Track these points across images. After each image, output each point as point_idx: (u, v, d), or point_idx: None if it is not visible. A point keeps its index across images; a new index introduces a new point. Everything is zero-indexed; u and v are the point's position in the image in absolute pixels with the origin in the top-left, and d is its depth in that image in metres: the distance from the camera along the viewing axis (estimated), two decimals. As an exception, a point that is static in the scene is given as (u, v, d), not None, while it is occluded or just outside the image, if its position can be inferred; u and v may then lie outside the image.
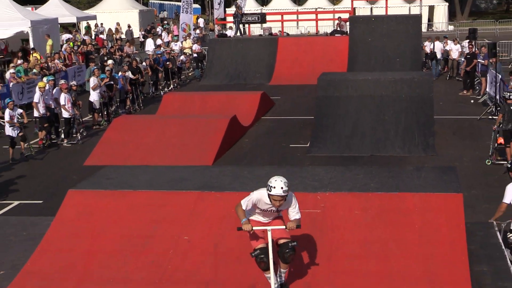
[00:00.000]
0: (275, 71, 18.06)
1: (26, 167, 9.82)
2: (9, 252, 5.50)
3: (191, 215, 5.01)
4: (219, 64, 18.81)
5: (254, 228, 3.83)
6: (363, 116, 10.43)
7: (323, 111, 10.70)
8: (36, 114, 11.03)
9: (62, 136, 11.38)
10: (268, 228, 3.94)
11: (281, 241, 3.99)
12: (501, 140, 9.16)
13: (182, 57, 19.49)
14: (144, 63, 16.27)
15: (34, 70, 14.82)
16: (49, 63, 15.64)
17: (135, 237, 4.76)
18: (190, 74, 20.85)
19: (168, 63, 17.03)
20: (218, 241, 4.61)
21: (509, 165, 5.76)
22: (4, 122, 10.44)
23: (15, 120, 10.01)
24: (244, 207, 3.92)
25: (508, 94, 9.16)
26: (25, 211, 7.77)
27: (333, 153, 9.94)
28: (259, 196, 3.91)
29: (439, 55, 18.30)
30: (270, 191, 3.74)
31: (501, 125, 9.12)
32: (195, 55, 20.32)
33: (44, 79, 12.28)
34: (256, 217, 4.06)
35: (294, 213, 3.97)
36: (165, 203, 5.08)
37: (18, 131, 9.93)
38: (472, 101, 14.40)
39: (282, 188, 3.71)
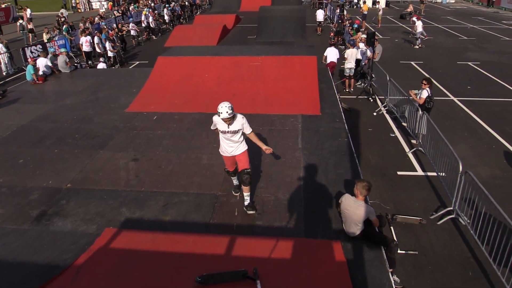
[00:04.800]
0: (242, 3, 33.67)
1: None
2: (138, 81, 12.61)
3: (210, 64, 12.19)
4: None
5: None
6: (278, 24, 24.78)
7: (261, 22, 24.85)
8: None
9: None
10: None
11: (241, 169, 5.91)
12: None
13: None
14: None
15: None
16: None
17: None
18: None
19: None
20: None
21: None
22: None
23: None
24: (212, 128, 6.00)
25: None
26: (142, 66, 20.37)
27: (265, 39, 23.53)
28: (216, 119, 5.70)
29: None
30: (219, 116, 5.46)
31: None
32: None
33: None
34: (223, 149, 6.03)
35: (247, 130, 5.78)
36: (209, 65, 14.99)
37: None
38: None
39: (227, 112, 5.39)
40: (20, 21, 25.65)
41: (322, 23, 25.73)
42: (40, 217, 6.28)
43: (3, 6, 34.99)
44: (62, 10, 31.94)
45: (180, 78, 12.13)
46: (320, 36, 24.59)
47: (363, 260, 5.17)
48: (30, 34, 25.07)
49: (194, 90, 11.56)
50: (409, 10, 27.20)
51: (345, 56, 14.28)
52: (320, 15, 25.25)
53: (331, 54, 14.30)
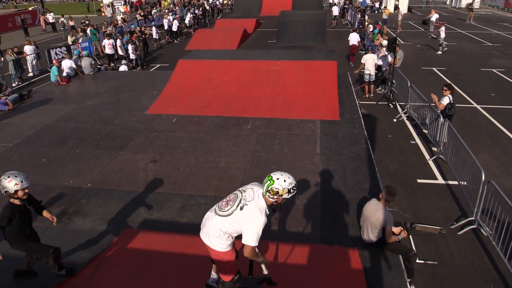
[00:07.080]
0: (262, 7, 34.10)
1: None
2: (159, 84, 13.02)
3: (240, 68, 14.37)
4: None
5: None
6: (298, 29, 24.79)
7: (282, 26, 24.95)
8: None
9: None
10: None
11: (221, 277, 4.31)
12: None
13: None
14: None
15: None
16: None
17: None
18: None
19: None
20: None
21: None
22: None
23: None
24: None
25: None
26: (163, 69, 19.60)
27: (285, 44, 23.83)
28: (262, 219, 3.68)
29: None
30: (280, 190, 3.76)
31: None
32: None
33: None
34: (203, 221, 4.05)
35: (245, 238, 3.73)
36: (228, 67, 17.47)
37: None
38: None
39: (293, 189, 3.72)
40: (62, 19, 26.74)
41: (337, 16, 31.75)
42: (60, 215, 6.40)
43: (30, 8, 36.00)
44: (107, 9, 33.28)
45: (200, 81, 12.23)
46: (334, 27, 29.45)
47: (381, 269, 5.09)
48: (78, 30, 24.77)
49: (213, 93, 11.64)
50: (431, 15, 26.84)
51: (362, 61, 14.15)
52: (335, 11, 31.56)
53: (352, 38, 18.67)
